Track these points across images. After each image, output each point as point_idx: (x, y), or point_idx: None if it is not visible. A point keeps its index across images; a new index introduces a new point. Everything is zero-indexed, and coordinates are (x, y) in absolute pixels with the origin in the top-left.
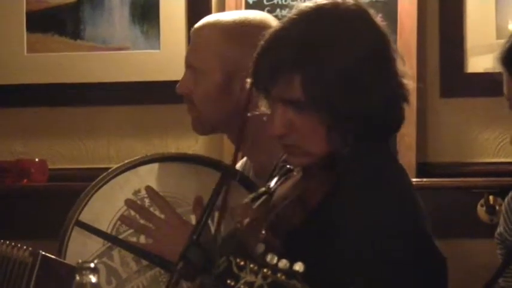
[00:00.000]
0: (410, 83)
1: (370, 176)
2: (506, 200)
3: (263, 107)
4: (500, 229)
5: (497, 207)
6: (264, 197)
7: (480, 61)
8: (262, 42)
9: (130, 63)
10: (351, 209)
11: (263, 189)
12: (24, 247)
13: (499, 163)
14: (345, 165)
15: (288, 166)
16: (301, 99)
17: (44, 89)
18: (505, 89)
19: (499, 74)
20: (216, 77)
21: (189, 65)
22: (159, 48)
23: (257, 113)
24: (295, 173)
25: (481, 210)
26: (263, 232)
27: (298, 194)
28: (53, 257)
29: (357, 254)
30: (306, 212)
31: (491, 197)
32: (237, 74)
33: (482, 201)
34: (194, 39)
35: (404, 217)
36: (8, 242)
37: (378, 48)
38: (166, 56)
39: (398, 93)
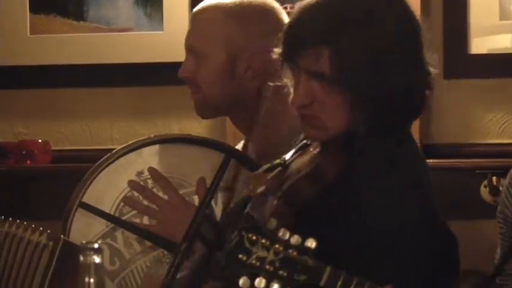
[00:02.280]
0: (435, 72)
1: (384, 159)
2: (508, 176)
3: (287, 79)
4: (501, 207)
5: (500, 188)
6: (278, 169)
7: (484, 42)
8: (294, 12)
9: (133, 45)
10: (365, 188)
11: (278, 160)
12: (41, 228)
13: (502, 144)
14: (362, 146)
15: (304, 141)
16: (328, 73)
17: (47, 70)
18: None
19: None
20: (220, 60)
21: (190, 49)
22: (162, 30)
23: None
24: (311, 149)
25: (484, 191)
26: (275, 202)
27: (313, 168)
28: (72, 242)
29: (369, 232)
30: (320, 185)
31: (494, 178)
32: (240, 55)
33: (485, 182)
34: (195, 23)
35: (417, 198)
36: (25, 223)
37: (410, 32)
38: (170, 37)
39: (424, 80)
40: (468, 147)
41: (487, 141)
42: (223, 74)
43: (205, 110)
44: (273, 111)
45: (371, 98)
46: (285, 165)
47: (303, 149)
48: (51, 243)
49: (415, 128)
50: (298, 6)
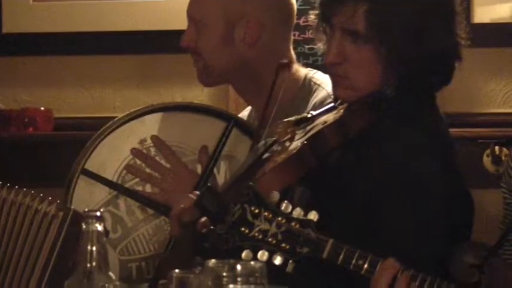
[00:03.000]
0: (464, 43)
1: (409, 122)
2: None
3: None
4: (505, 177)
5: (503, 157)
6: (305, 122)
7: (487, 11)
8: None
9: (136, 13)
10: (387, 150)
11: (305, 114)
12: (50, 198)
13: (505, 113)
14: (388, 108)
15: (332, 104)
16: (362, 31)
17: (50, 38)
18: None
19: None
20: (218, 28)
21: (191, 17)
22: None
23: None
24: (340, 109)
25: (487, 161)
26: (299, 143)
27: (339, 119)
28: (81, 213)
29: (388, 185)
30: (343, 136)
31: (497, 147)
32: (239, 22)
33: (488, 151)
34: None
35: (438, 155)
36: (32, 192)
37: (447, 1)
38: (173, 5)
39: (455, 49)
40: (471, 116)
41: (489, 111)
42: (222, 42)
43: (207, 78)
44: (278, 83)
45: (403, 59)
46: (312, 118)
47: (330, 110)
48: (61, 213)
49: None
50: None
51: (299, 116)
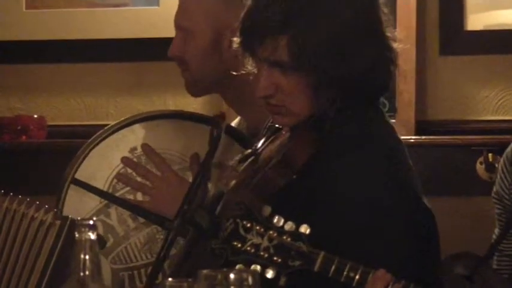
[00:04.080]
0: (399, 47)
1: (355, 136)
2: (502, 159)
3: (250, 66)
4: (496, 188)
5: (496, 165)
6: (250, 159)
7: (480, 18)
8: (249, 2)
9: (129, 20)
10: (337, 170)
11: (249, 150)
12: (46, 206)
13: (498, 121)
14: (331, 127)
15: (276, 126)
16: (287, 61)
17: (43, 45)
18: None
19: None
20: (205, 37)
21: (178, 26)
22: (158, 5)
23: (244, 71)
24: (283, 132)
25: (480, 168)
26: (248, 194)
27: (283, 155)
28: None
29: (345, 214)
30: (290, 174)
31: (490, 155)
32: (225, 31)
33: (481, 159)
34: (181, 0)
35: (389, 171)
36: (27, 199)
37: (365, 10)
38: (165, 12)
39: (386, 56)
40: (464, 124)
41: (482, 118)
42: (209, 51)
43: (194, 88)
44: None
45: (332, 80)
46: (257, 154)
47: (275, 134)
48: (58, 222)
49: (411, 103)
50: None
51: (243, 154)
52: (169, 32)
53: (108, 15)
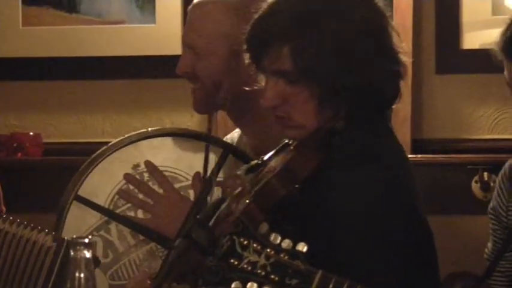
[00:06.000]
0: (407, 60)
1: (358, 152)
2: (499, 174)
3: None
4: (493, 203)
5: (491, 184)
6: (257, 169)
7: (476, 37)
8: (255, 15)
9: (125, 38)
10: (339, 182)
11: (256, 161)
12: (46, 230)
13: (493, 140)
14: (337, 141)
15: (286, 141)
16: (291, 70)
17: (39, 62)
18: (506, 77)
19: (494, 51)
20: (223, 56)
21: (189, 44)
22: (154, 23)
23: (256, 87)
24: (291, 148)
25: (475, 187)
26: (247, 202)
27: (286, 165)
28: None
29: (342, 232)
30: (290, 185)
31: (485, 174)
32: (242, 50)
33: (476, 177)
34: (195, 18)
35: (392, 190)
36: (25, 223)
37: (372, 22)
38: (162, 30)
39: (394, 69)
40: (459, 142)
41: (478, 137)
42: (226, 69)
43: (205, 106)
44: (261, 113)
45: (337, 90)
46: (263, 164)
47: (283, 148)
48: (54, 244)
49: (406, 122)
50: (263, 5)
51: (249, 165)
52: (166, 49)
53: (104, 33)
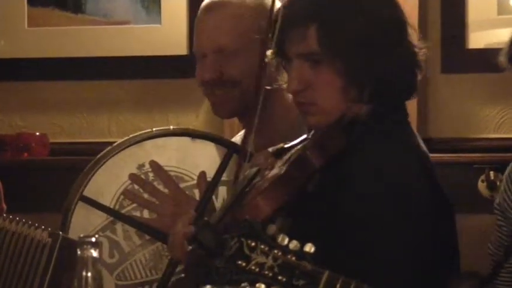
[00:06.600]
0: (423, 53)
1: (379, 136)
2: (507, 170)
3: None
4: (499, 199)
5: (498, 183)
6: (282, 152)
7: (481, 37)
8: (280, 6)
9: (131, 38)
10: (358, 168)
11: (281, 144)
12: (43, 227)
13: (500, 139)
14: (359, 129)
15: (304, 136)
16: (317, 51)
17: (45, 63)
18: None
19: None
20: (255, 54)
21: (216, 48)
22: (160, 23)
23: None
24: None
25: (482, 186)
26: (282, 167)
27: (317, 141)
28: (72, 238)
29: (362, 213)
30: (325, 158)
31: (492, 173)
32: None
33: (483, 176)
34: (216, 20)
35: (413, 174)
36: (23, 221)
37: (395, 13)
38: (167, 30)
39: (412, 59)
40: (466, 141)
41: (484, 136)
42: (254, 66)
43: (232, 110)
44: (277, 107)
45: (362, 72)
46: (289, 148)
47: (305, 140)
48: (50, 240)
49: (412, 121)
50: None
51: (275, 147)
52: (171, 50)
53: (110, 33)
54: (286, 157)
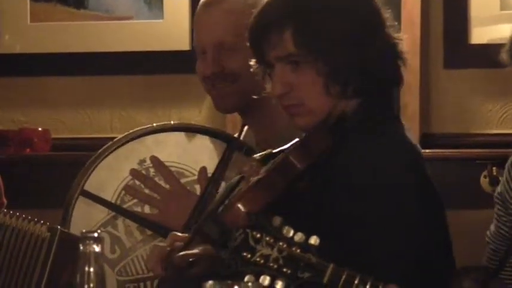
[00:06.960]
0: (404, 45)
1: (369, 128)
2: (509, 160)
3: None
4: (500, 188)
5: (500, 178)
6: (270, 158)
7: (484, 32)
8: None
9: (133, 33)
10: (351, 161)
11: (269, 150)
12: (42, 221)
13: (502, 134)
14: (347, 124)
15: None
16: (294, 52)
17: (47, 58)
18: None
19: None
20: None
21: (217, 43)
22: (162, 18)
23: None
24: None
25: (484, 181)
26: (265, 171)
27: (301, 142)
28: (71, 232)
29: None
30: (309, 159)
31: (494, 168)
32: None
33: (485, 172)
34: (216, 16)
35: (404, 164)
36: (23, 216)
37: (368, 5)
38: (170, 26)
39: (392, 50)
40: (468, 137)
41: (487, 131)
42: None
43: (235, 102)
44: (263, 117)
45: (341, 67)
46: (277, 154)
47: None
48: (48, 234)
49: (415, 116)
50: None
51: (263, 153)
52: (174, 45)
53: (112, 29)
54: (271, 162)
